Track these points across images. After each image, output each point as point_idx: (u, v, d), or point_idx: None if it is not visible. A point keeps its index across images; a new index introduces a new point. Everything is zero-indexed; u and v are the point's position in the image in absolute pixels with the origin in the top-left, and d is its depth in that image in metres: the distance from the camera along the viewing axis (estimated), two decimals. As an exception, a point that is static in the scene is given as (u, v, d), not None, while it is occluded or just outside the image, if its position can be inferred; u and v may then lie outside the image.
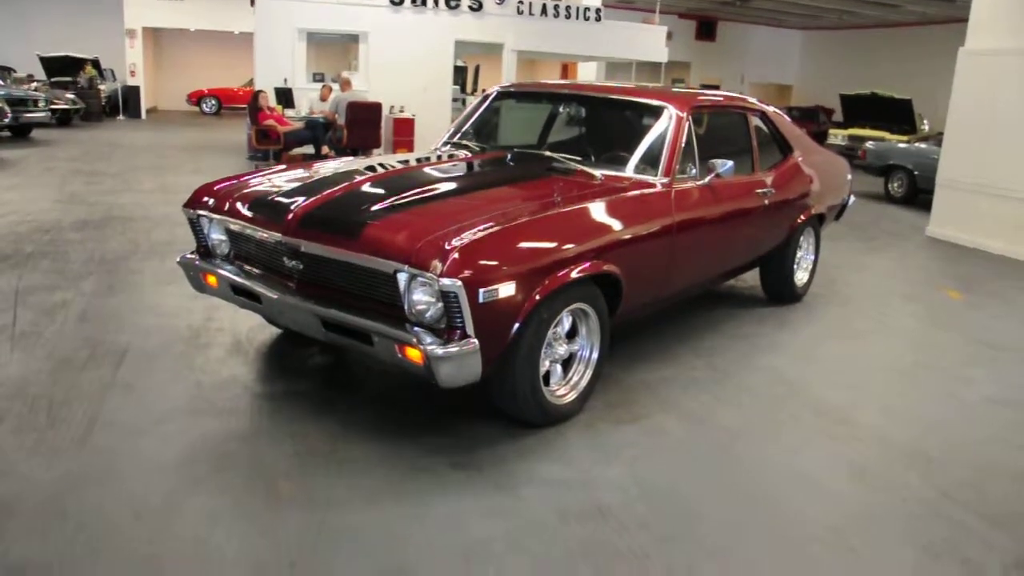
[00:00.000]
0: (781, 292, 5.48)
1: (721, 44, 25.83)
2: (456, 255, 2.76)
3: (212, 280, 3.67)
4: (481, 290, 2.78)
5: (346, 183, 3.53)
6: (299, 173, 3.89)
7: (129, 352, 4.00)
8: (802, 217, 5.26)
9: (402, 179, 3.75)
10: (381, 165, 4.02)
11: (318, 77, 14.30)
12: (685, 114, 4.13)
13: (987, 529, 2.74)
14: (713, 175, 4.09)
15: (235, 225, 3.53)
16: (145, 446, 3.04)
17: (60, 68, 19.78)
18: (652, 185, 3.87)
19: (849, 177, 6.25)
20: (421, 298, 2.87)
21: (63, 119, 17.02)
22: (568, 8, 14.41)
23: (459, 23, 13.89)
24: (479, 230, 2.94)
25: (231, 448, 3.07)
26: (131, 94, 20.78)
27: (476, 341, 2.81)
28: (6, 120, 11.61)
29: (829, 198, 5.71)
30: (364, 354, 3.18)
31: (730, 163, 4.08)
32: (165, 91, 25.12)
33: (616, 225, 3.47)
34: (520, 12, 14.15)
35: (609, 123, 4.51)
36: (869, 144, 12.91)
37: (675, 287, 4.14)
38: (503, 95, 4.90)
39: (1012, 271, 7.27)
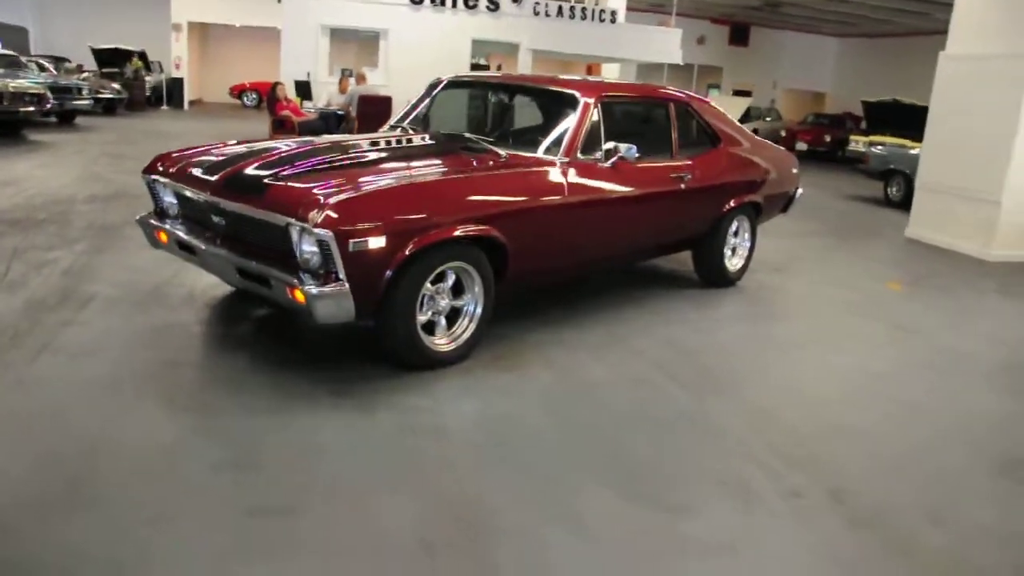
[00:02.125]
0: (711, 276, 5.85)
1: (754, 49, 25.95)
2: (330, 210, 3.26)
3: (163, 237, 4.22)
4: (351, 240, 3.27)
5: (269, 153, 4.06)
6: (240, 148, 4.42)
7: (95, 299, 4.58)
8: (732, 204, 5.62)
9: (321, 151, 4.26)
10: (313, 142, 4.54)
11: (347, 72, 14.96)
12: (592, 100, 4.56)
13: (782, 466, 3.13)
14: (616, 157, 4.50)
15: (178, 188, 4.08)
16: (84, 366, 3.60)
17: (110, 59, 20.88)
18: (552, 164, 4.31)
19: (795, 170, 6.57)
20: (307, 248, 3.37)
21: (108, 107, 18.04)
22: (584, 10, 14.85)
23: (476, 22, 14.44)
24: (358, 190, 3.44)
25: (154, 371, 3.61)
26: (175, 86, 21.81)
27: (347, 284, 3.30)
28: (48, 106, 12.44)
29: (767, 188, 6.04)
30: (266, 297, 3.68)
31: (633, 147, 4.49)
32: (210, 84, 26.19)
33: (502, 196, 3.92)
34: (536, 13, 14.63)
35: (528, 109, 4.97)
36: (872, 149, 13.07)
37: (576, 259, 4.57)
38: (449, 85, 5.38)
39: (972, 269, 7.50)
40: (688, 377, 4.03)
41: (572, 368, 4.01)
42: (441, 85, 5.42)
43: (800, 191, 6.78)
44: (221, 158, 4.15)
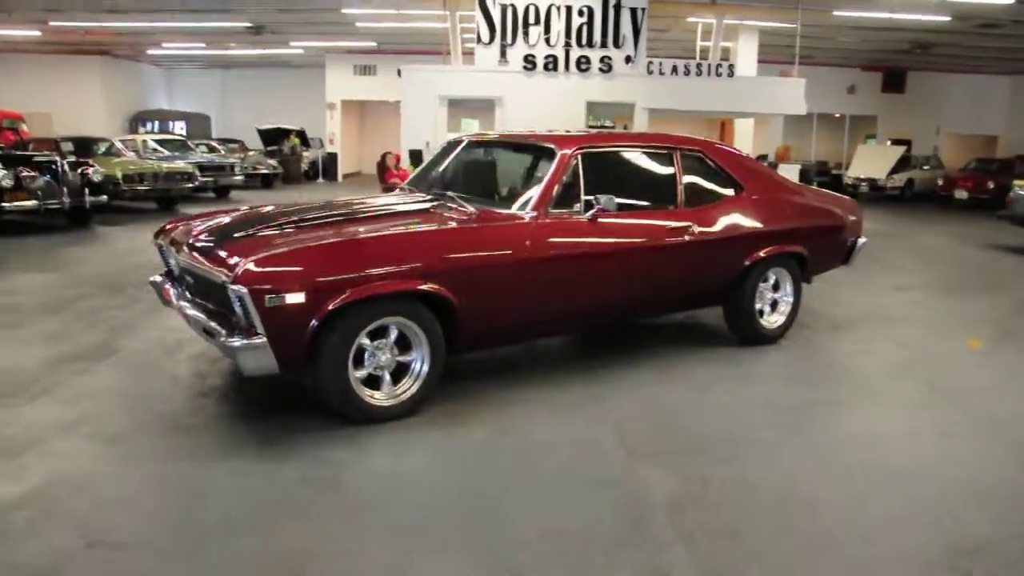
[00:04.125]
0: (743, 333, 5.50)
1: (912, 95, 24.37)
2: (246, 268, 3.43)
3: (168, 295, 4.58)
4: (267, 296, 3.41)
5: (239, 216, 4.33)
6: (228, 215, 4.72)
7: (119, 352, 5.02)
8: (761, 255, 5.27)
9: (297, 211, 4.47)
10: (303, 204, 4.78)
11: (463, 140, 15.55)
12: (569, 152, 4.50)
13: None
14: (596, 210, 4.39)
15: (170, 251, 4.42)
16: (61, 410, 3.95)
17: (273, 138, 22.90)
18: (520, 219, 4.28)
19: (852, 218, 6.08)
20: (234, 304, 3.55)
21: (266, 182, 19.78)
22: (699, 66, 14.63)
23: (590, 85, 14.59)
24: (283, 249, 3.60)
25: (118, 416, 3.90)
26: (331, 160, 23.53)
27: (265, 338, 3.43)
28: (196, 184, 13.84)
29: (812, 238, 5.62)
30: (220, 351, 3.89)
31: (612, 198, 4.37)
32: (368, 156, 27.94)
33: (447, 252, 3.93)
34: (650, 72, 14.57)
35: (513, 165, 4.96)
36: (1017, 191, 11.80)
37: (552, 316, 4.46)
38: (464, 145, 5.48)
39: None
40: (643, 443, 3.76)
41: (517, 428, 3.88)
42: (459, 145, 5.53)
43: (863, 240, 6.26)
44: (206, 224, 4.45)
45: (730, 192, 5.30)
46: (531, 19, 14.29)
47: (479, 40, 14.32)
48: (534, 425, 3.92)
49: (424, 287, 3.80)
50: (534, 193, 4.39)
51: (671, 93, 14.66)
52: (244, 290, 3.38)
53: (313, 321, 3.53)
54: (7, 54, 21.65)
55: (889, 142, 23.04)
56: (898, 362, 5.33)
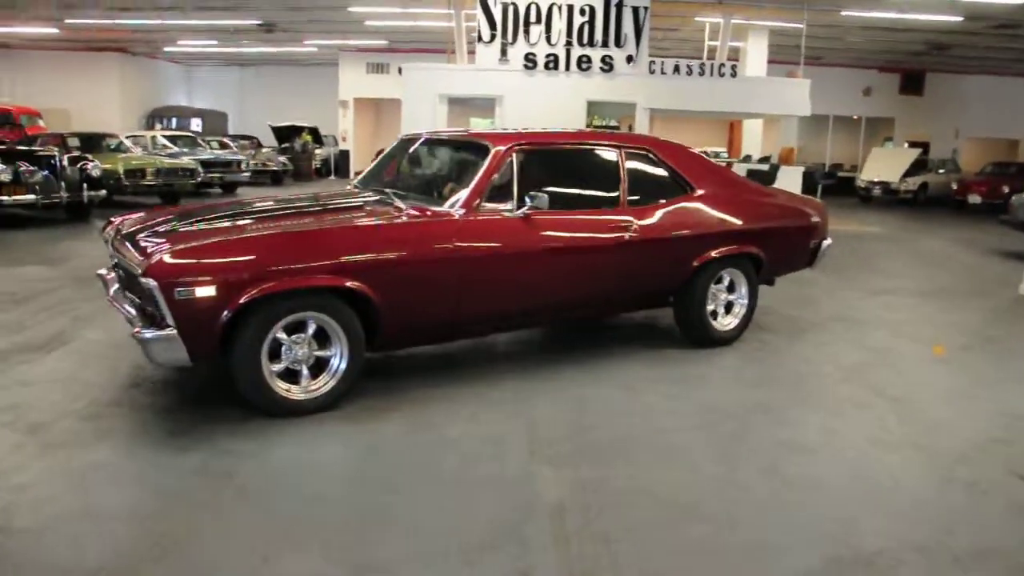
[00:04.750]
0: (692, 333, 5.46)
1: (931, 97, 24.01)
2: (156, 261, 3.49)
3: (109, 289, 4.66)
4: (176, 289, 3.46)
5: (183, 209, 4.40)
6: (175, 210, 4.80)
7: (72, 343, 5.11)
8: (711, 255, 5.23)
9: (237, 208, 4.53)
10: (241, 201, 4.85)
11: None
12: (503, 149, 4.50)
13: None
14: (527, 208, 4.39)
15: (109, 244, 4.50)
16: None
17: (287, 135, 23.11)
18: (448, 215, 4.29)
19: (815, 219, 6.00)
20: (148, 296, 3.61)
21: (276, 178, 20.00)
22: (702, 66, 14.53)
23: (591, 84, 14.55)
24: (198, 242, 3.65)
25: (56, 402, 3.98)
26: (343, 157, 23.71)
27: (174, 330, 3.48)
28: (199, 179, 14.04)
29: (769, 239, 5.56)
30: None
31: (543, 195, 4.36)
32: (382, 154, 28.17)
33: (365, 248, 3.95)
34: (652, 72, 14.51)
35: (451, 162, 4.98)
36: (1018, 197, 11.58)
37: (481, 313, 4.46)
38: (404, 142, 5.52)
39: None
40: (550, 443, 3.74)
41: (431, 424, 3.89)
42: (410, 143, 5.55)
43: (828, 242, 6.19)
44: (159, 217, 4.51)
45: (679, 191, 5.26)
46: (532, 18, 14.29)
47: (480, 39, 14.35)
48: (449, 422, 3.92)
49: (338, 283, 3.82)
50: (465, 190, 4.40)
51: (673, 93, 14.58)
52: (153, 283, 3.44)
53: (224, 314, 3.57)
54: (27, 51, 22.10)
55: (906, 145, 22.73)
56: (851, 366, 5.24)
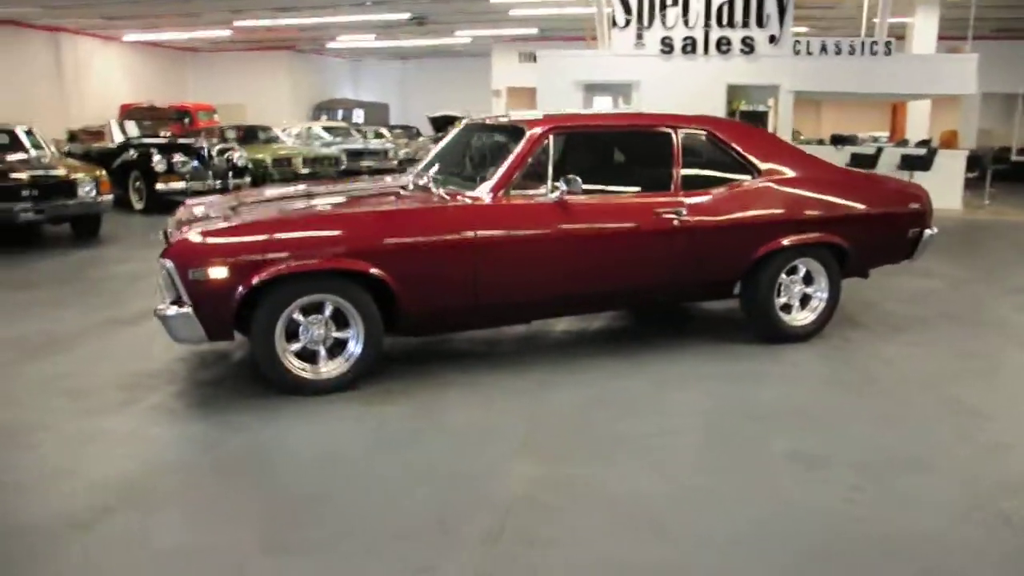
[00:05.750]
0: (760, 328, 5.10)
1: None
2: (177, 241, 3.71)
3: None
4: (190, 269, 3.67)
5: (232, 201, 4.65)
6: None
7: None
8: (782, 244, 4.85)
9: (292, 192, 4.74)
10: (301, 188, 5.06)
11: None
12: (539, 133, 4.38)
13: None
14: (561, 192, 4.27)
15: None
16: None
17: (443, 125, 23.79)
18: (478, 199, 4.25)
19: (914, 206, 5.40)
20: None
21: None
22: (852, 44, 13.49)
23: (731, 67, 13.91)
24: (220, 225, 3.85)
25: (100, 376, 4.35)
26: (494, 145, 24.12)
27: (191, 308, 3.69)
28: (342, 167, 14.79)
29: (855, 227, 5.08)
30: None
31: (577, 179, 4.21)
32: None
33: (384, 232, 3.99)
34: (797, 52, 13.65)
35: (493, 146, 4.89)
36: None
37: (508, 301, 4.38)
38: (466, 128, 5.51)
39: None
40: (543, 437, 3.60)
41: (436, 411, 3.86)
42: (460, 129, 5.54)
43: (931, 232, 5.54)
44: (224, 201, 4.81)
45: (743, 175, 4.91)
46: (669, 0, 13.85)
47: (614, 24, 14.09)
48: (456, 409, 3.90)
49: (348, 266, 3.88)
50: (495, 175, 4.34)
51: (819, 74, 13.64)
52: (169, 263, 3.66)
53: (238, 294, 3.73)
54: (209, 53, 24.16)
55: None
56: (941, 375, 4.64)
